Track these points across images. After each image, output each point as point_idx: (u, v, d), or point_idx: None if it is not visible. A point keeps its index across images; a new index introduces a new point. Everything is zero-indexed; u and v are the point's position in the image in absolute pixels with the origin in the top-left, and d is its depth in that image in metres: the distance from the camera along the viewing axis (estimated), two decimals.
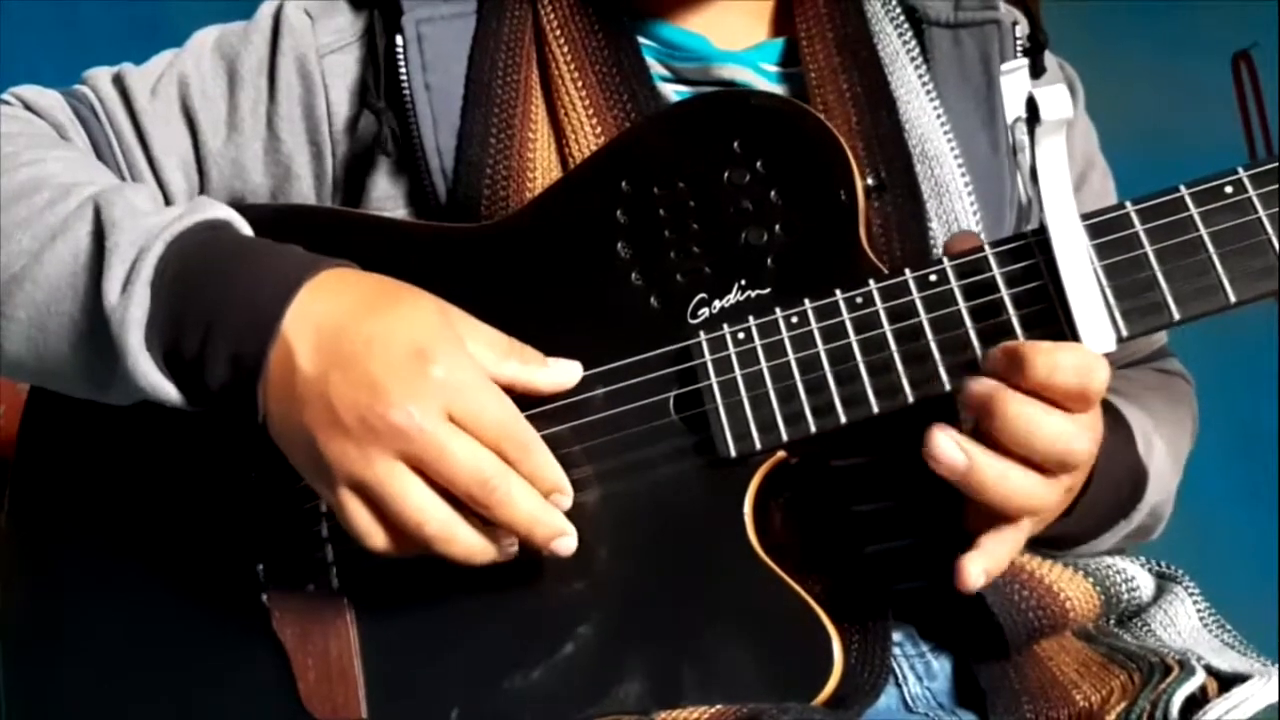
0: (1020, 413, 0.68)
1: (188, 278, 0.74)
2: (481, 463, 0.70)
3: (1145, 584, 0.87)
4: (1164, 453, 0.89)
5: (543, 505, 0.72)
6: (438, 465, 0.70)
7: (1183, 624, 0.85)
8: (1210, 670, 0.76)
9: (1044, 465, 0.69)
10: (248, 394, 0.73)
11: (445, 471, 0.70)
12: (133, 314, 0.73)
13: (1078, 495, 0.76)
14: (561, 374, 0.76)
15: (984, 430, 0.69)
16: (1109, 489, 0.79)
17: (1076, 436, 0.68)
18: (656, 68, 0.90)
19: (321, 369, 0.71)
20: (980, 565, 0.70)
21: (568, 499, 0.73)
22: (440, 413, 0.70)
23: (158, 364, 0.74)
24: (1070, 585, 0.81)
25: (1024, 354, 0.68)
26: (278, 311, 0.72)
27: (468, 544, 0.71)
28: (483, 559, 0.72)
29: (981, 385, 0.69)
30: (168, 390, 0.75)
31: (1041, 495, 0.70)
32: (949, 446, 0.68)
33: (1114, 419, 0.82)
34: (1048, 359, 0.67)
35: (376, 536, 0.71)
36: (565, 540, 0.72)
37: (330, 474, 0.71)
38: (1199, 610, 0.87)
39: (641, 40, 0.90)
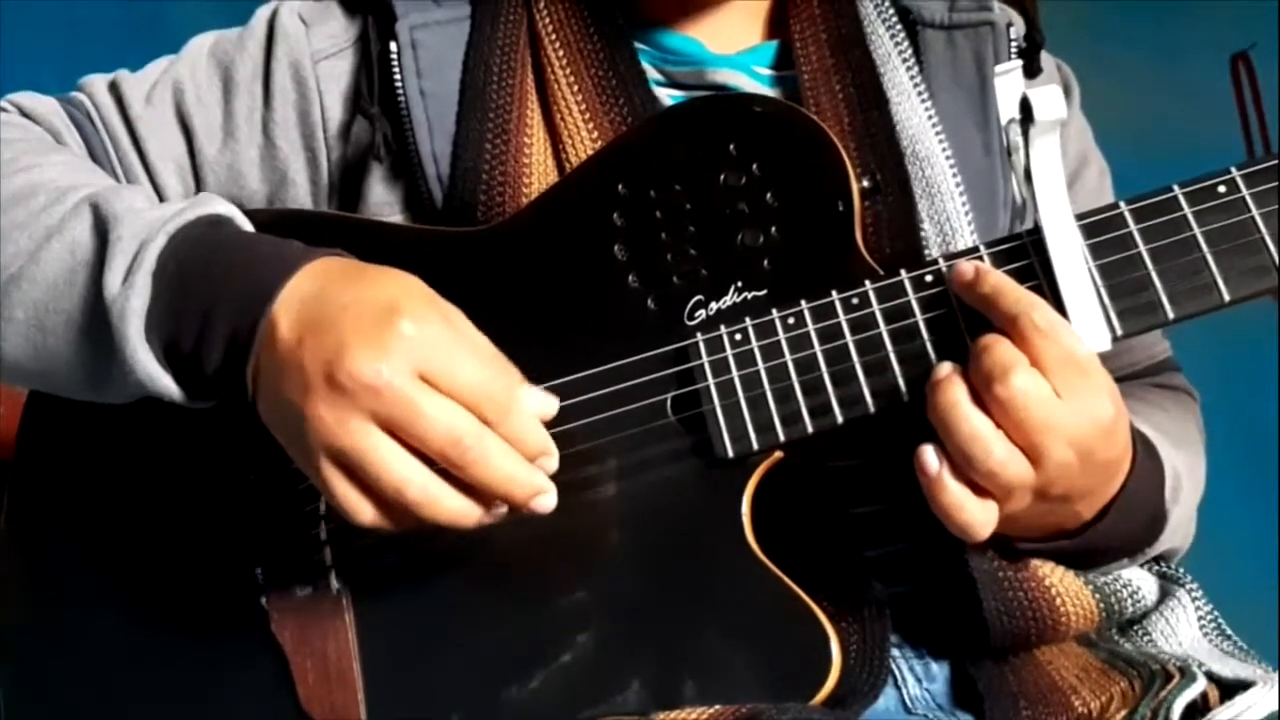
0: (987, 339, 0.69)
1: (188, 270, 0.74)
2: (454, 421, 0.68)
3: (1149, 589, 0.87)
4: (1188, 498, 0.87)
5: (519, 463, 0.70)
6: (408, 425, 0.68)
7: (1183, 633, 0.85)
8: (1211, 677, 0.76)
9: (977, 383, 0.68)
10: (240, 378, 0.73)
11: (416, 431, 0.68)
12: (133, 304, 0.73)
13: (1091, 521, 0.74)
14: (538, 403, 0.73)
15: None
16: (1125, 526, 0.77)
17: (1021, 370, 0.67)
18: (651, 72, 0.90)
19: (298, 335, 0.70)
20: (939, 460, 0.69)
21: (554, 461, 0.72)
22: (409, 370, 0.68)
23: (156, 356, 0.74)
24: (1075, 599, 0.80)
25: (983, 269, 0.70)
26: (271, 293, 0.72)
27: (452, 507, 0.69)
28: (470, 522, 0.70)
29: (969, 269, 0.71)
30: (166, 383, 0.74)
31: (991, 449, 0.68)
32: (945, 363, 0.70)
33: (1149, 456, 0.80)
34: (995, 281, 0.69)
35: (364, 510, 0.70)
36: (545, 498, 0.70)
37: (309, 446, 0.69)
38: (1200, 617, 0.87)
39: (636, 45, 0.90)
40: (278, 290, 0.72)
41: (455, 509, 0.70)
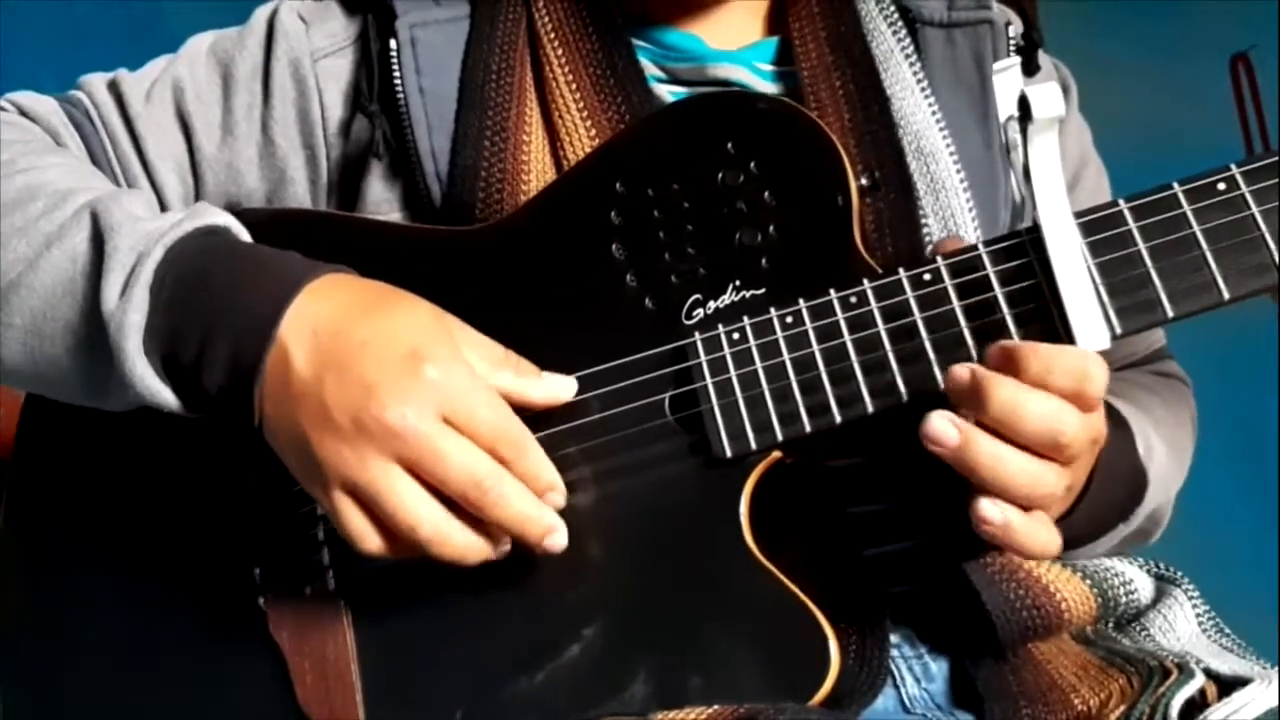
0: (1006, 395, 0.67)
1: (186, 283, 0.74)
2: (475, 463, 0.70)
3: (1144, 586, 0.87)
4: (1164, 456, 0.89)
5: (535, 504, 0.72)
6: (431, 466, 0.69)
7: (1181, 629, 0.85)
8: (1209, 673, 0.76)
9: (1038, 449, 0.68)
10: (244, 398, 0.73)
11: (439, 472, 0.69)
12: (131, 318, 0.73)
13: (1078, 496, 0.76)
14: (555, 388, 0.76)
15: (975, 418, 0.69)
16: (1109, 491, 0.79)
17: (1064, 414, 0.67)
18: (651, 69, 0.90)
19: (317, 371, 0.71)
20: (1004, 512, 0.68)
21: (561, 496, 0.73)
22: (434, 414, 0.70)
23: (155, 369, 0.74)
24: (1067, 586, 0.81)
25: (1020, 354, 0.68)
26: (276, 315, 0.72)
27: (460, 545, 0.71)
28: (475, 560, 0.72)
29: (964, 370, 0.68)
30: (165, 395, 0.75)
31: (1044, 479, 0.68)
32: (943, 424, 0.68)
33: (1115, 422, 0.82)
34: (1043, 360, 0.67)
35: (370, 539, 0.71)
36: (556, 537, 0.72)
37: (324, 476, 0.70)
38: (1198, 614, 0.87)
39: (636, 42, 0.90)
40: (282, 311, 0.72)
41: (464, 546, 0.71)
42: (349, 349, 0.71)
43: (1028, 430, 0.67)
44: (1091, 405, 0.69)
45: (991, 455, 0.68)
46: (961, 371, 0.69)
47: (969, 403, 0.68)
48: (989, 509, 0.68)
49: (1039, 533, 0.69)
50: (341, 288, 0.74)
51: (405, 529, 0.70)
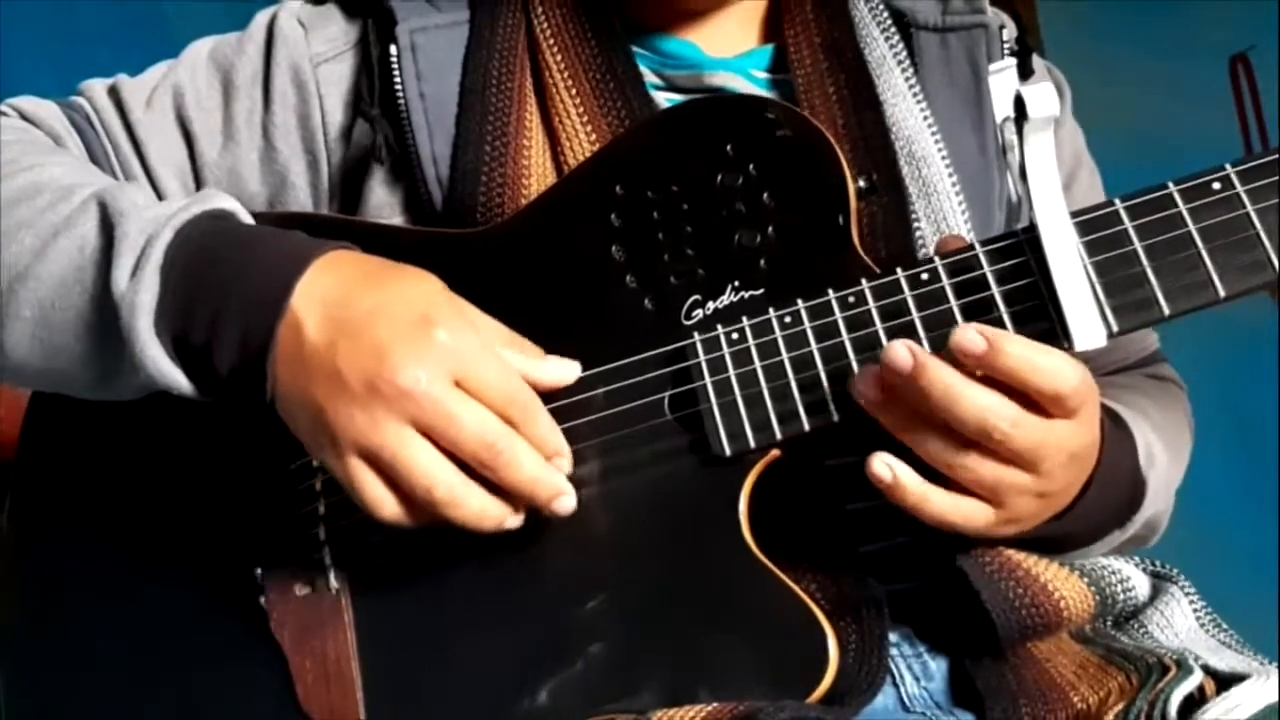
0: (940, 380, 0.68)
1: (196, 264, 0.75)
2: (487, 425, 0.71)
3: (1141, 584, 0.88)
4: (1164, 464, 0.89)
5: (545, 466, 0.73)
6: (445, 428, 0.70)
7: (1179, 625, 0.85)
8: (1208, 670, 0.76)
9: (973, 436, 0.69)
10: (256, 375, 0.73)
11: (452, 434, 0.70)
12: (142, 299, 0.74)
13: (1076, 498, 0.76)
14: (559, 370, 0.77)
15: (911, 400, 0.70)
16: (1107, 496, 0.79)
17: (1002, 410, 0.68)
18: (649, 76, 0.91)
19: (329, 338, 0.71)
20: (893, 470, 0.71)
21: (568, 462, 0.74)
22: (446, 376, 0.70)
23: (166, 350, 0.74)
24: (1065, 585, 0.81)
25: (997, 342, 0.68)
26: (286, 288, 0.73)
27: (475, 507, 0.71)
28: (490, 523, 0.72)
29: (903, 350, 0.69)
30: (176, 377, 0.75)
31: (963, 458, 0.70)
32: (901, 350, 0.69)
33: (1118, 428, 0.82)
34: (1021, 355, 0.68)
35: (387, 504, 0.71)
36: (565, 499, 0.73)
37: (339, 443, 0.71)
38: (1195, 611, 0.87)
39: (634, 49, 0.91)
40: (292, 285, 0.73)
41: (479, 508, 0.72)
42: (360, 315, 0.72)
43: (962, 416, 0.68)
44: (1070, 407, 0.69)
45: (947, 389, 0.69)
46: (901, 351, 0.69)
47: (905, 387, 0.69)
48: (878, 467, 0.71)
49: (936, 497, 0.71)
50: (348, 261, 0.75)
51: (421, 490, 0.70)
